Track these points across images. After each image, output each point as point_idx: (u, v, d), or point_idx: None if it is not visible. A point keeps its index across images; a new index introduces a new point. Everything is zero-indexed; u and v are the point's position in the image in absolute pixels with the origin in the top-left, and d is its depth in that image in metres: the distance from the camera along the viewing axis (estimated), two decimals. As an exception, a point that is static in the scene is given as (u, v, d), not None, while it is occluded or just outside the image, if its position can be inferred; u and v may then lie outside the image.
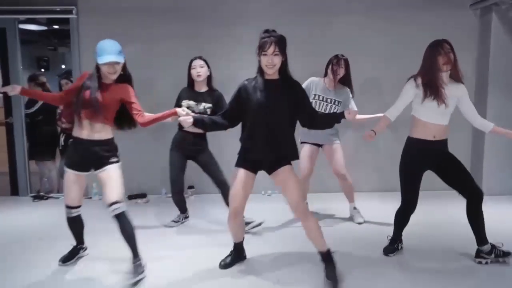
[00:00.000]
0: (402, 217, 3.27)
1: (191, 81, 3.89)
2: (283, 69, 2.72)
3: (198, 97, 3.80)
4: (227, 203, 3.57)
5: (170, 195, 4.07)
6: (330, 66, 3.89)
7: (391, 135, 4.90)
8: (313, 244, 2.79)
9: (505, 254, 3.09)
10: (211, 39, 5.02)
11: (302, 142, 4.01)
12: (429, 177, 3.22)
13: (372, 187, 5.25)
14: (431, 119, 3.01)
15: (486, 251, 3.09)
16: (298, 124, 2.86)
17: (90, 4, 4.98)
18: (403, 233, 3.34)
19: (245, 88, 2.76)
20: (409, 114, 3.14)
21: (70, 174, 2.90)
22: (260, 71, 2.73)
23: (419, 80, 3.01)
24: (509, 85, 5.02)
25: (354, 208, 4.16)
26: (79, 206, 3.01)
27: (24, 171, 5.25)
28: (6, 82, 5.12)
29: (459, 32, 4.95)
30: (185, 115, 2.67)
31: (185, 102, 3.77)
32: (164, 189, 5.11)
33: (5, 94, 5.20)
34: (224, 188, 3.77)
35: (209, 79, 3.89)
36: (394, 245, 3.32)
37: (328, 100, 3.90)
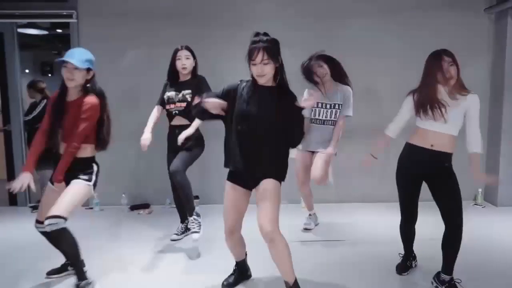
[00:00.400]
0: (404, 230, 3.09)
1: (174, 72, 3.64)
2: (279, 76, 2.45)
3: (180, 88, 3.59)
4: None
5: (174, 205, 3.94)
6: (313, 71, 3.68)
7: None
8: (278, 270, 2.54)
9: None
10: (217, 42, 4.91)
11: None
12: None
13: (381, 197, 5.08)
14: (432, 127, 2.79)
15: (445, 280, 2.85)
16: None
17: (90, 9, 4.86)
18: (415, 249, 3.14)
19: (236, 88, 2.50)
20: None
21: (49, 187, 2.81)
22: (253, 76, 2.49)
23: (416, 96, 2.83)
24: (526, 90, 4.82)
25: (310, 215, 4.18)
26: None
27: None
28: (4, 88, 5.04)
29: (474, 36, 4.83)
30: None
31: (166, 96, 3.62)
32: (168, 199, 4.96)
33: (3, 103, 5.15)
34: (172, 182, 3.58)
35: (194, 69, 3.64)
36: (406, 263, 3.14)
37: (328, 106, 3.74)
